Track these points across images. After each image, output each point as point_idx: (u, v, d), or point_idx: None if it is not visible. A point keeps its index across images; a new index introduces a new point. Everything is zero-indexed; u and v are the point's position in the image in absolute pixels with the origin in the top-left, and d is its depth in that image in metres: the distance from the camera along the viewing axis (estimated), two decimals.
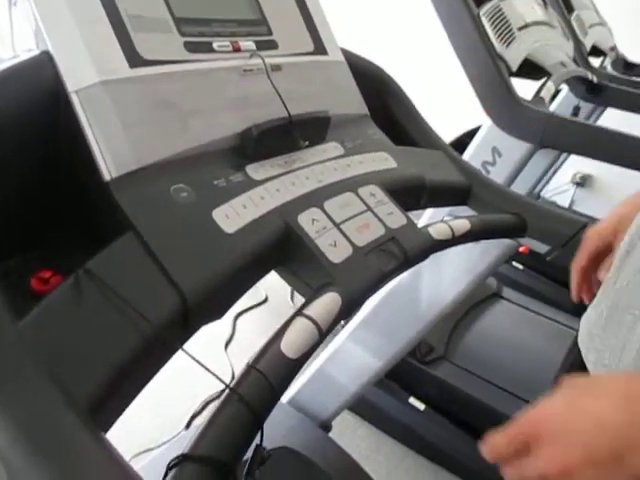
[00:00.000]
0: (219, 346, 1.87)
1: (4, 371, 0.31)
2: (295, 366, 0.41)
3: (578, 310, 0.65)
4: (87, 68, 0.45)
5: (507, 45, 1.16)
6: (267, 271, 0.51)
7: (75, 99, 0.44)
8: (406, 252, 0.55)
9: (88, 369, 0.34)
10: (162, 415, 1.57)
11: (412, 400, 1.57)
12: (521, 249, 0.88)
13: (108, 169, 0.43)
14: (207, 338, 1.82)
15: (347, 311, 0.47)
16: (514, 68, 1.17)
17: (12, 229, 0.44)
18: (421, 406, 1.55)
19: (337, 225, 0.53)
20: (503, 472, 0.44)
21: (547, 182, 2.31)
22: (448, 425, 1.51)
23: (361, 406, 1.60)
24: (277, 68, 0.60)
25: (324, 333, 0.44)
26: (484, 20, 1.12)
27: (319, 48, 0.68)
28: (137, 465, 1.20)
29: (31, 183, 0.45)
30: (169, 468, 0.33)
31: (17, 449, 0.29)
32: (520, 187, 1.29)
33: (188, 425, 1.54)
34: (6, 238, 0.43)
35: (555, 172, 2.15)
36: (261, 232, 0.48)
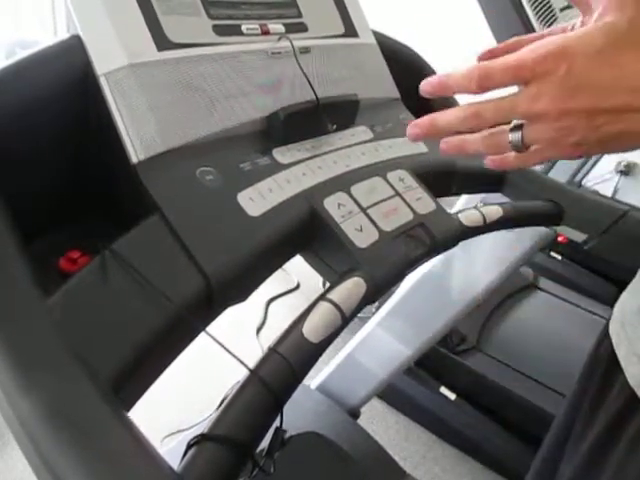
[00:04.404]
0: (251, 331, 1.90)
1: (30, 348, 0.32)
2: (317, 350, 0.40)
3: (616, 302, 0.63)
4: (116, 51, 0.45)
5: (548, 26, 1.12)
6: (292, 255, 0.51)
7: (104, 82, 0.44)
8: (434, 238, 0.54)
9: (112, 348, 0.35)
10: (194, 397, 1.61)
11: (443, 389, 1.55)
12: (560, 238, 0.85)
13: (136, 152, 0.44)
14: (239, 323, 1.85)
15: (372, 296, 0.47)
16: None
17: (43, 211, 0.45)
18: (452, 396, 1.54)
19: (364, 210, 0.52)
20: (473, 110, 0.39)
21: (589, 170, 2.23)
22: (478, 415, 1.49)
23: (391, 394, 1.59)
24: (306, 51, 0.59)
25: (347, 318, 0.43)
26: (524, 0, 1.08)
27: (350, 30, 0.66)
28: (167, 446, 1.24)
29: (60, 166, 0.46)
30: (189, 447, 0.33)
31: (42, 425, 0.29)
32: (559, 175, 1.25)
33: (219, 407, 1.57)
34: (37, 219, 0.44)
35: (598, 160, 2.07)
36: (286, 216, 0.48)
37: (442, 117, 0.41)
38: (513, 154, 0.43)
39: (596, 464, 0.55)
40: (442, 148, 0.45)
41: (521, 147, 0.40)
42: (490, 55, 0.52)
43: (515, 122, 0.40)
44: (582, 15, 0.45)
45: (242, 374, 0.37)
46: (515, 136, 0.40)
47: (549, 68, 0.35)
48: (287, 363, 0.38)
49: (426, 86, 0.41)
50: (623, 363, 0.53)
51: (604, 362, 0.58)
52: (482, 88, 0.38)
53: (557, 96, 0.35)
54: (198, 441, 0.33)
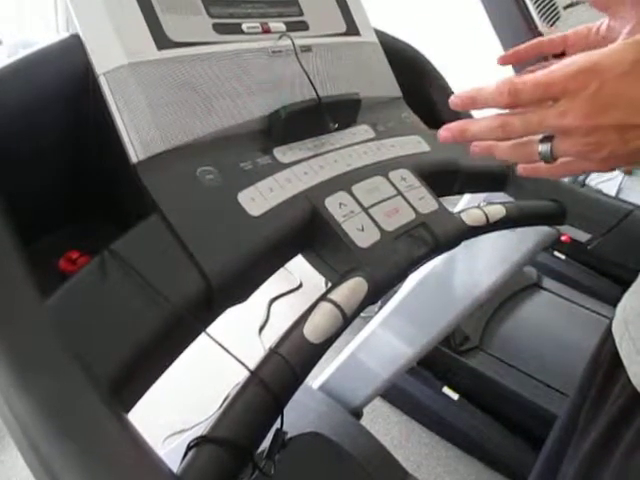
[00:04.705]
0: (253, 331, 1.90)
1: (28, 349, 0.31)
2: (318, 351, 0.40)
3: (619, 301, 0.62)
4: (115, 50, 0.45)
5: (551, 24, 1.11)
6: (293, 255, 0.51)
7: (103, 81, 0.44)
8: (437, 238, 0.54)
9: (111, 349, 0.35)
10: (196, 397, 1.61)
11: (446, 389, 1.55)
12: (563, 238, 0.84)
13: (135, 152, 0.44)
14: (241, 322, 1.85)
15: (373, 297, 0.46)
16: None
17: (42, 211, 0.45)
18: (455, 396, 1.53)
19: (365, 209, 0.52)
20: (502, 121, 0.40)
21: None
22: (481, 415, 1.49)
23: (393, 394, 1.59)
24: (307, 49, 0.59)
25: (349, 318, 0.43)
26: None
27: (351, 29, 0.66)
28: (169, 446, 1.23)
29: (60, 166, 0.46)
30: (189, 448, 0.33)
31: (40, 426, 0.29)
32: None
33: (220, 408, 1.57)
34: (36, 219, 0.44)
35: None
36: (287, 215, 0.47)
37: (473, 125, 0.42)
38: (544, 165, 0.43)
39: (598, 463, 0.55)
40: (474, 151, 0.47)
41: (550, 159, 0.41)
42: (515, 56, 0.53)
43: (545, 134, 0.41)
44: (610, 18, 0.45)
45: (244, 374, 0.37)
46: (544, 147, 0.40)
47: (580, 85, 0.36)
48: (288, 364, 0.37)
49: (456, 100, 0.42)
50: (626, 362, 0.53)
51: (606, 361, 0.58)
52: (512, 104, 0.39)
53: (587, 113, 0.36)
54: (198, 443, 0.32)
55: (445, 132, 0.44)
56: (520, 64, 0.52)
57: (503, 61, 0.53)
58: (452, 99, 0.42)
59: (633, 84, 0.35)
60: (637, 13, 0.37)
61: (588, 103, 0.36)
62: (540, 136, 0.41)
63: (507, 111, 0.41)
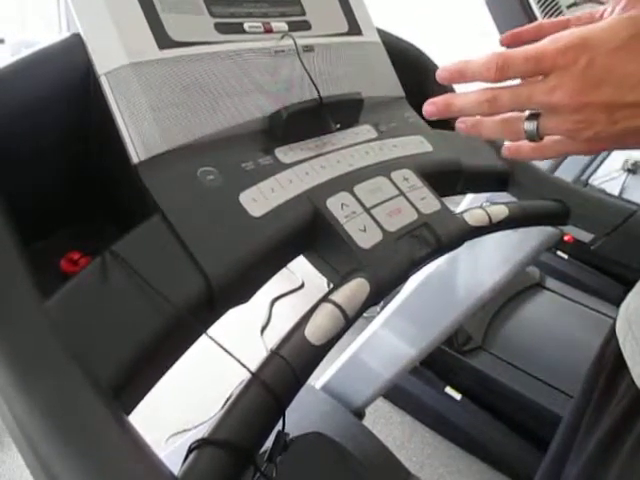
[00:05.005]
0: (255, 331, 1.90)
1: (29, 350, 0.31)
2: (319, 353, 0.40)
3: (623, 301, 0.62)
4: (116, 50, 0.44)
5: None
6: (295, 256, 0.50)
7: (104, 81, 0.44)
8: (439, 238, 0.54)
9: (112, 350, 0.34)
10: (199, 397, 1.61)
11: (448, 389, 1.55)
12: (566, 238, 0.84)
13: (137, 152, 0.43)
14: (243, 323, 1.85)
15: (376, 298, 0.46)
16: None
17: (43, 211, 0.45)
18: (457, 396, 1.53)
19: (367, 210, 0.51)
20: (490, 95, 0.39)
21: (596, 169, 2.21)
22: (484, 415, 1.48)
23: (396, 394, 1.59)
24: (309, 49, 0.58)
25: (351, 320, 0.43)
26: None
27: (354, 28, 0.66)
28: (172, 446, 1.23)
29: (61, 166, 0.46)
30: (189, 451, 0.33)
31: (40, 428, 0.29)
32: (566, 174, 1.23)
33: (221, 410, 1.57)
34: (37, 220, 0.43)
35: (605, 158, 2.06)
36: (289, 216, 0.47)
37: (458, 98, 0.41)
38: (528, 144, 0.43)
39: (602, 464, 0.55)
40: (459, 127, 0.45)
41: (536, 137, 0.40)
42: (514, 37, 0.52)
43: (532, 111, 0.40)
44: (613, 3, 0.44)
45: (246, 373, 0.37)
46: (530, 125, 0.39)
47: (570, 60, 0.35)
48: (289, 366, 0.37)
49: (443, 72, 0.41)
50: (629, 362, 0.53)
51: (610, 362, 0.58)
52: (501, 77, 0.38)
53: (576, 89, 0.35)
54: (199, 445, 0.32)
55: (430, 106, 0.43)
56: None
57: (505, 42, 0.52)
58: (439, 72, 0.41)
59: (625, 60, 0.34)
60: None
61: (578, 79, 0.35)
62: (527, 113, 0.40)
63: (496, 85, 0.40)
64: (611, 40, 0.34)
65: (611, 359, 0.57)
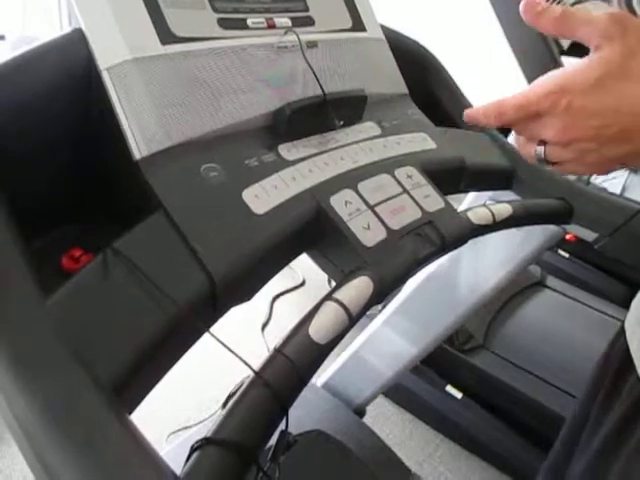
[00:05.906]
0: (256, 328, 1.89)
1: (29, 348, 0.31)
2: (323, 351, 0.39)
3: (627, 301, 0.62)
4: (118, 45, 0.44)
5: None
6: (298, 253, 0.50)
7: (106, 76, 0.43)
8: (443, 237, 0.53)
9: (113, 349, 0.34)
10: (200, 394, 1.60)
11: (449, 388, 1.55)
12: (568, 236, 0.84)
13: (138, 148, 0.43)
14: (244, 320, 1.84)
15: (379, 296, 0.46)
16: (565, 46, 1.11)
17: (45, 208, 0.44)
18: (458, 394, 1.53)
19: (371, 207, 0.51)
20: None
21: None
22: (485, 414, 1.48)
23: (397, 392, 1.59)
24: (313, 45, 0.58)
25: (354, 318, 0.43)
26: None
27: (357, 25, 0.65)
28: (173, 443, 1.23)
29: (62, 162, 0.45)
30: (192, 450, 0.32)
31: (41, 427, 0.29)
32: None
33: (225, 404, 1.57)
34: (39, 217, 0.43)
35: None
36: (292, 213, 0.47)
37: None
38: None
39: (607, 460, 0.55)
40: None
41: (544, 162, 0.44)
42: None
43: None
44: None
45: (248, 371, 0.36)
46: (539, 150, 0.44)
47: (552, 104, 0.40)
48: (293, 365, 0.37)
49: (466, 118, 0.48)
50: (636, 361, 0.53)
51: (618, 359, 0.58)
52: (500, 124, 0.45)
53: (561, 128, 0.40)
54: (201, 445, 0.32)
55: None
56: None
57: (524, 11, 0.53)
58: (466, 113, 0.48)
59: (601, 97, 0.38)
60: (601, 28, 0.39)
61: (561, 119, 0.40)
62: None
63: None
64: (584, 82, 0.38)
65: (618, 357, 0.58)
